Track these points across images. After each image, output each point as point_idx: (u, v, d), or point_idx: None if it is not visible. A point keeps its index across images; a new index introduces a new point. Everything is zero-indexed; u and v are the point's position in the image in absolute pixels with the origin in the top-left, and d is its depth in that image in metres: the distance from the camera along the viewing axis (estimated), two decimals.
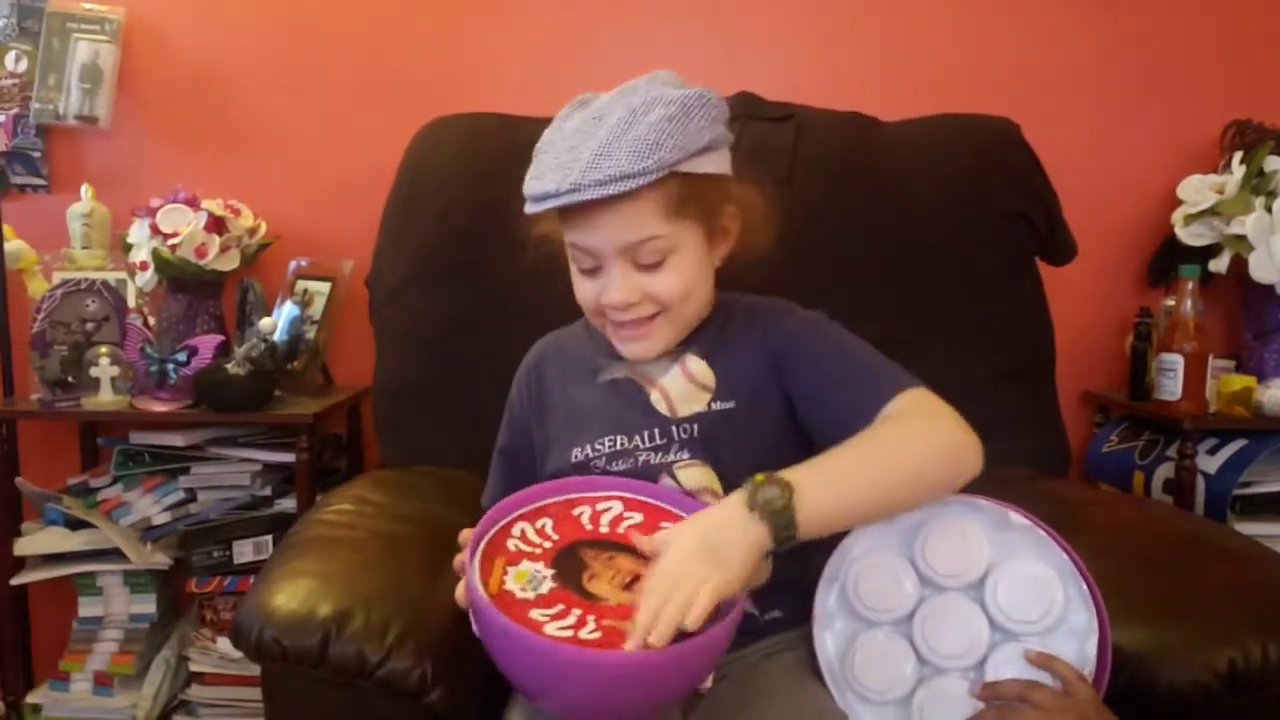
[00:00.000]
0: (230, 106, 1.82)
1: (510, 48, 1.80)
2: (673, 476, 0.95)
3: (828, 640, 0.91)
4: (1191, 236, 1.65)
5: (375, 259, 1.49)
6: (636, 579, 0.81)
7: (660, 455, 0.96)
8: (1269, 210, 1.57)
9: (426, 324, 1.43)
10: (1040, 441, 1.43)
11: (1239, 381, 1.54)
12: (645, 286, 0.93)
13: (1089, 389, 1.82)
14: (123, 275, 1.65)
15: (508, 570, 0.82)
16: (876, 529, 0.91)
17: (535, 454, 1.06)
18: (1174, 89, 1.79)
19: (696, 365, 0.98)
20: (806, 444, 0.94)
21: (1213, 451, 1.55)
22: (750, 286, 1.04)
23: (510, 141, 1.31)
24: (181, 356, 1.56)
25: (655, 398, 0.98)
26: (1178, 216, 1.67)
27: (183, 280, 1.67)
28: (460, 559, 0.87)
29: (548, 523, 0.88)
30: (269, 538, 1.59)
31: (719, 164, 0.94)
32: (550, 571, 0.82)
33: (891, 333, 1.38)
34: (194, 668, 1.63)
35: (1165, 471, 1.58)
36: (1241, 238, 1.58)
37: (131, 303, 1.64)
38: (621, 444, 0.98)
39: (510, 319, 1.35)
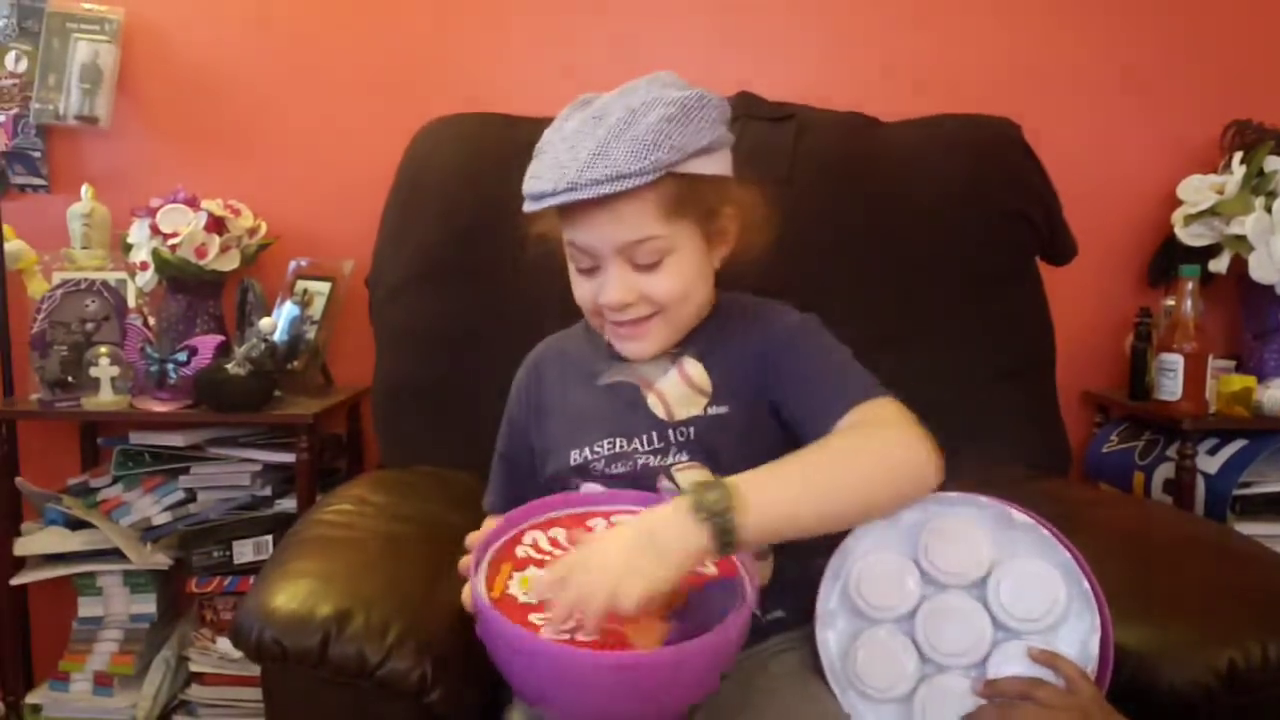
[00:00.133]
0: (230, 106, 1.82)
1: (510, 47, 1.80)
2: (671, 479, 0.95)
3: (830, 639, 0.91)
4: (1191, 237, 1.65)
5: (375, 259, 1.49)
6: None
7: (659, 458, 0.96)
8: (1269, 210, 1.57)
9: (426, 324, 1.43)
10: (1040, 441, 1.43)
11: (1239, 381, 1.54)
12: (642, 287, 0.93)
13: (1089, 389, 1.82)
14: (123, 275, 1.65)
15: (513, 575, 0.82)
16: (879, 527, 0.91)
17: (534, 457, 1.06)
18: (1174, 89, 1.79)
19: (694, 368, 0.98)
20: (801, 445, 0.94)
21: (1213, 451, 1.55)
22: (750, 286, 1.04)
23: (510, 141, 1.31)
24: (181, 356, 1.56)
25: (652, 401, 0.98)
26: (1178, 216, 1.67)
27: (183, 280, 1.67)
28: (467, 561, 0.87)
29: (560, 533, 0.88)
30: (269, 538, 1.59)
31: (719, 165, 0.94)
32: None
33: (891, 332, 1.39)
34: (194, 668, 1.63)
35: (1165, 472, 1.58)
36: (1241, 238, 1.58)
37: (131, 303, 1.64)
38: (621, 446, 0.98)
39: (510, 319, 1.35)
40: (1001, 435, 1.39)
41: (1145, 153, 1.80)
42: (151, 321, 1.64)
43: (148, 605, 1.65)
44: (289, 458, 1.57)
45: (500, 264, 1.37)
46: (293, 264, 1.76)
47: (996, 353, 1.42)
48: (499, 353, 1.20)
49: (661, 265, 0.93)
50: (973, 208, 1.42)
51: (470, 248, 1.41)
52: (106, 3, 1.76)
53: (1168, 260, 1.73)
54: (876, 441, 0.87)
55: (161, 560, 1.60)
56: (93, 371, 1.57)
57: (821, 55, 1.80)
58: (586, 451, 0.99)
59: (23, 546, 1.60)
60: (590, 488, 0.99)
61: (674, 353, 0.99)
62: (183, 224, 1.61)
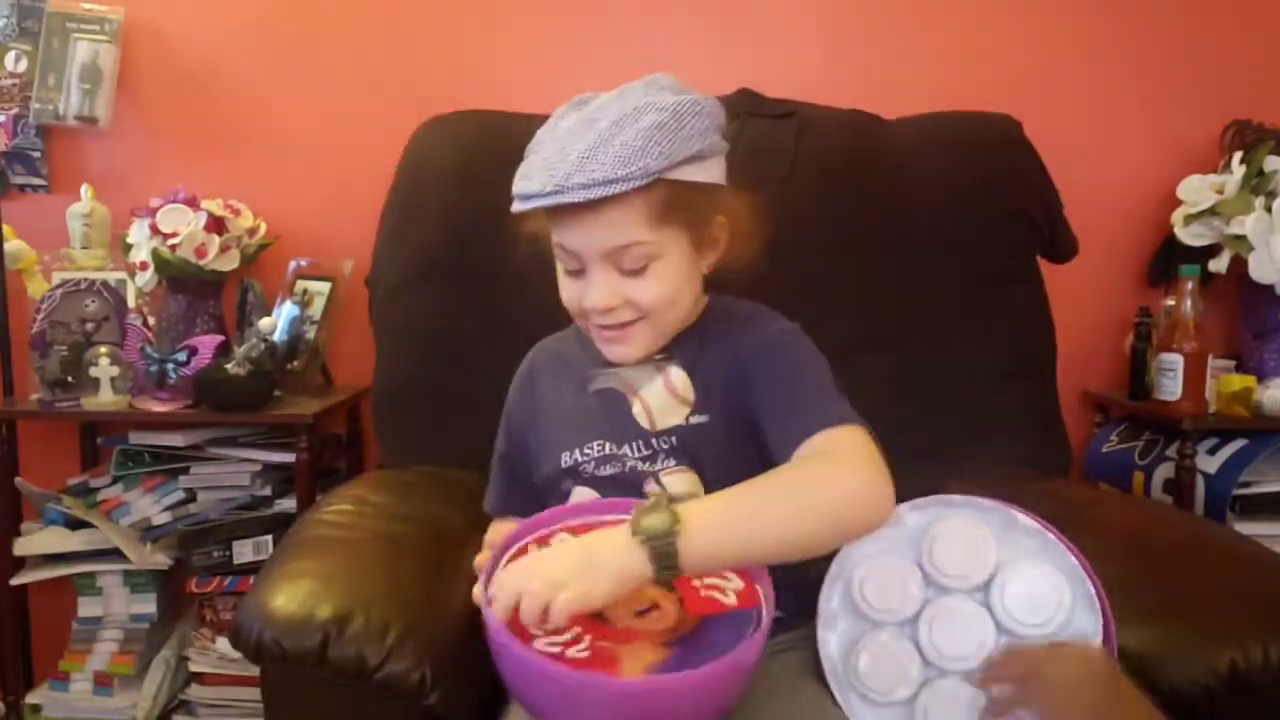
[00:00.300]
0: (230, 106, 1.81)
1: (510, 47, 1.80)
2: (659, 483, 0.96)
3: (831, 640, 0.91)
4: (1191, 236, 1.65)
5: (375, 259, 1.49)
6: (655, 607, 0.80)
7: (647, 464, 0.97)
8: (1269, 210, 1.57)
9: (426, 324, 1.43)
10: (1040, 441, 1.43)
11: (1239, 381, 1.53)
12: (626, 292, 0.93)
13: (1089, 389, 1.82)
14: (123, 275, 1.65)
15: None
16: (882, 530, 0.91)
17: (531, 458, 1.06)
18: (1174, 89, 1.79)
19: (678, 377, 0.98)
20: None
21: (1212, 451, 1.55)
22: (749, 285, 1.03)
23: (510, 140, 1.28)
24: (181, 356, 1.56)
25: (637, 410, 0.98)
26: (1177, 216, 1.67)
27: (182, 280, 1.66)
28: (480, 559, 0.87)
29: (568, 539, 0.87)
30: (269, 538, 1.59)
31: (711, 173, 0.93)
32: None
33: (892, 331, 1.39)
34: (194, 668, 1.62)
35: (1165, 471, 1.58)
36: (1241, 238, 1.58)
37: (131, 303, 1.64)
38: (610, 449, 0.98)
39: (510, 319, 1.35)
40: (1002, 435, 1.39)
41: (1145, 153, 1.80)
42: (151, 321, 1.63)
43: (148, 605, 1.65)
44: (289, 458, 1.57)
45: (500, 264, 1.36)
46: (292, 264, 1.75)
47: (997, 352, 1.42)
48: (499, 353, 1.20)
49: (647, 271, 0.92)
50: (974, 206, 1.42)
51: (470, 247, 1.41)
52: (106, 3, 1.76)
53: (1168, 260, 1.73)
54: (825, 474, 0.84)
55: (161, 560, 1.60)
56: (93, 371, 1.57)
57: (823, 52, 1.80)
58: (577, 453, 1.00)
59: (23, 546, 1.60)
60: (581, 490, 0.99)
61: (660, 360, 0.99)
62: (182, 224, 1.61)
